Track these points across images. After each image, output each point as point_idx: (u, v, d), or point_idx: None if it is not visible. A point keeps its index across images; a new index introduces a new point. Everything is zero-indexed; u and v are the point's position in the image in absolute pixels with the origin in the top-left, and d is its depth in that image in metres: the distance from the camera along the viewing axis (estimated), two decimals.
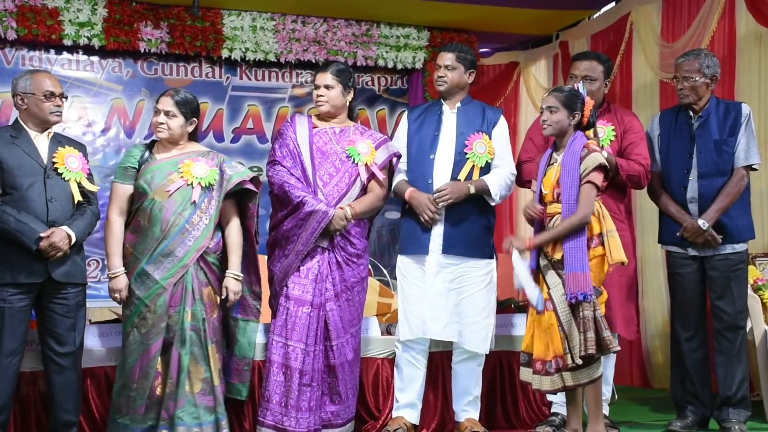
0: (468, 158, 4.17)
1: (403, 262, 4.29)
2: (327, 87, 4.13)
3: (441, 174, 4.18)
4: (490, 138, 4.23)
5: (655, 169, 4.40)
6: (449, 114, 4.28)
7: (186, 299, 3.79)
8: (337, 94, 4.15)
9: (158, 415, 3.75)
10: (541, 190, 3.91)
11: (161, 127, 3.89)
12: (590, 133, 4.01)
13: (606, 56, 4.57)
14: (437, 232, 4.16)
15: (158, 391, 3.77)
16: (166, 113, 3.88)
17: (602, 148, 4.16)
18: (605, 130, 4.28)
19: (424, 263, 4.18)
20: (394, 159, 4.25)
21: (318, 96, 4.16)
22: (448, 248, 4.15)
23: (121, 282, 3.80)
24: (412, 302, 4.21)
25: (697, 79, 4.24)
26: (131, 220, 3.88)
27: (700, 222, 4.18)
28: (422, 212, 4.12)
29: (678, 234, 4.27)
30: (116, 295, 3.82)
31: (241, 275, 3.95)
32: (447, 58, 4.26)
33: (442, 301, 4.14)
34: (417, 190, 4.15)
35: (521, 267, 3.82)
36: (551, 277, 3.80)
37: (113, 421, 3.80)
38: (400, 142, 4.34)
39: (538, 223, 3.93)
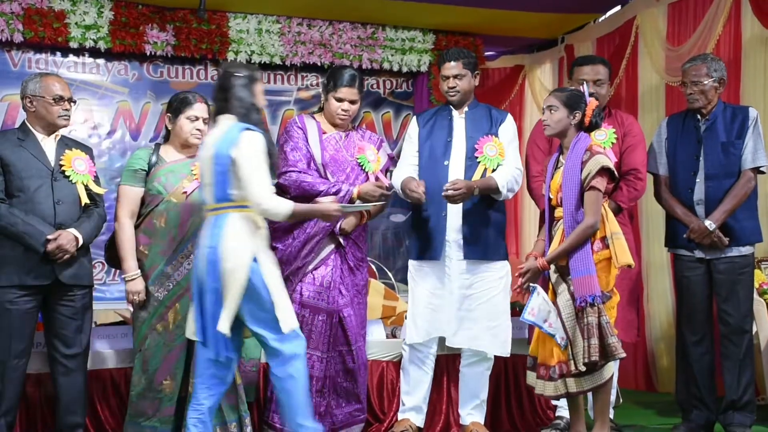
0: (479, 162, 4.16)
1: (414, 266, 4.28)
2: (352, 102, 4.15)
3: (455, 179, 4.16)
4: (498, 139, 4.24)
5: (663, 173, 4.41)
6: (458, 119, 4.27)
7: None
8: (357, 108, 4.20)
9: (183, 415, 3.74)
10: (549, 194, 3.91)
11: (201, 135, 3.88)
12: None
13: (606, 60, 4.61)
14: (453, 238, 4.15)
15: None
16: (204, 120, 3.89)
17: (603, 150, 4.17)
18: (606, 133, 4.29)
19: (439, 268, 4.17)
20: (389, 160, 4.32)
21: (343, 111, 4.13)
22: (468, 254, 4.14)
23: (140, 284, 3.79)
24: (422, 306, 4.21)
25: (706, 82, 4.24)
26: (141, 222, 3.87)
27: (707, 223, 4.18)
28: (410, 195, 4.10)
29: (685, 236, 4.27)
30: (135, 297, 3.79)
31: None
32: (454, 67, 4.22)
33: (457, 307, 4.14)
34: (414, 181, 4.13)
35: (543, 302, 3.75)
36: (557, 282, 3.79)
37: (136, 424, 3.77)
38: (412, 145, 4.32)
39: (549, 224, 3.92)
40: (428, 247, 4.19)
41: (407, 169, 4.27)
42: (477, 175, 4.14)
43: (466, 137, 4.22)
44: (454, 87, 4.23)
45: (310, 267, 4.05)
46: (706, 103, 4.28)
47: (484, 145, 4.18)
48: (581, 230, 3.69)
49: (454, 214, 4.13)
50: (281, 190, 4.08)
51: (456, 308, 4.13)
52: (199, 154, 3.54)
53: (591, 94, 3.97)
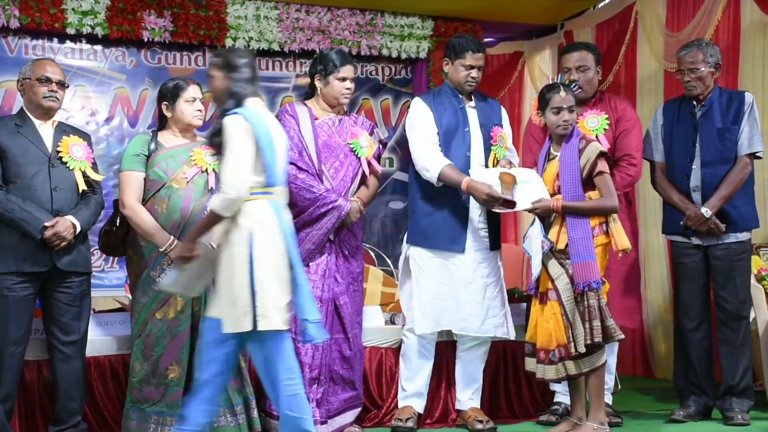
0: (492, 150, 4.21)
1: (420, 254, 4.23)
2: (352, 80, 4.13)
3: (477, 170, 4.14)
4: (503, 129, 4.31)
5: (659, 159, 4.41)
6: (470, 108, 4.28)
7: None
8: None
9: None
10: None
11: (201, 115, 3.94)
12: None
13: (594, 45, 4.62)
14: (474, 229, 4.17)
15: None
16: (201, 100, 3.94)
17: (596, 137, 4.17)
18: (599, 119, 4.30)
19: (456, 260, 4.14)
20: (380, 146, 4.31)
21: (346, 89, 4.10)
22: (491, 245, 4.21)
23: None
24: (432, 296, 4.18)
25: (702, 69, 4.23)
26: None
27: (703, 210, 4.18)
28: (485, 203, 4.01)
29: (681, 223, 4.27)
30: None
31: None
32: (481, 58, 4.21)
33: (480, 297, 4.17)
34: (474, 180, 4.03)
35: (537, 235, 3.82)
36: (553, 266, 3.81)
37: (140, 410, 3.78)
38: (431, 124, 4.20)
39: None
40: (446, 239, 4.16)
41: (435, 147, 4.17)
42: (490, 164, 4.19)
43: (480, 126, 4.23)
44: (476, 78, 4.22)
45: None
46: (704, 89, 4.27)
47: (497, 135, 4.24)
48: (601, 203, 3.80)
49: (476, 205, 4.13)
50: None
51: (479, 299, 4.15)
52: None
53: (572, 82, 4.04)
